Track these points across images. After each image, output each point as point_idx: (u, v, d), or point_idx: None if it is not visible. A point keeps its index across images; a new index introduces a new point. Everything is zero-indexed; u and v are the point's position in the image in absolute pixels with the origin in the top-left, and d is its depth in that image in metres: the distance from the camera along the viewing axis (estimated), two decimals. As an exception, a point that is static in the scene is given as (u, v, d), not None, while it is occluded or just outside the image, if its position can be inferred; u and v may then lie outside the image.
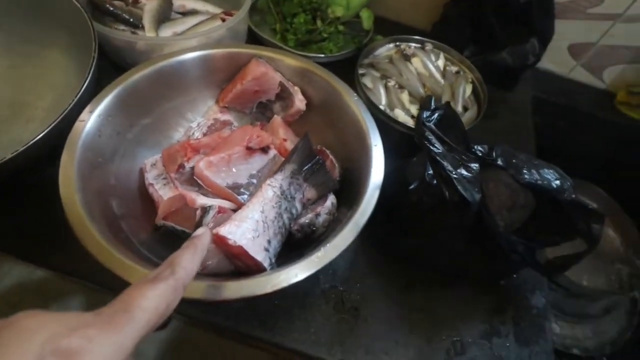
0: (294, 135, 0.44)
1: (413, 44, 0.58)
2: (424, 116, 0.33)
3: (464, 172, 0.30)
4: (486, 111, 0.51)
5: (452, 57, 0.58)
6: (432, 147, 0.31)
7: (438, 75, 0.55)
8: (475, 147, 0.34)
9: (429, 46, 0.57)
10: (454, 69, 0.57)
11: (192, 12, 0.60)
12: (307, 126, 0.47)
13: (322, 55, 0.57)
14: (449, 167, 0.30)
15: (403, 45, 0.57)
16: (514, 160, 0.34)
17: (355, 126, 0.41)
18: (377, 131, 0.39)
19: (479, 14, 0.58)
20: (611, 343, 0.67)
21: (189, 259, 0.19)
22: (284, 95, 0.46)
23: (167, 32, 0.54)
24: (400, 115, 0.50)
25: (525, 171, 0.34)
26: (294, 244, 0.35)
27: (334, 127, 0.45)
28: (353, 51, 0.58)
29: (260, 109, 0.48)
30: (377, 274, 0.42)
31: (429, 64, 0.55)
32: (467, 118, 0.51)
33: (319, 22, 0.55)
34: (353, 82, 0.53)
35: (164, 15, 0.55)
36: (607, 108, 0.67)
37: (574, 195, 0.35)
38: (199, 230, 0.23)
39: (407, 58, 0.56)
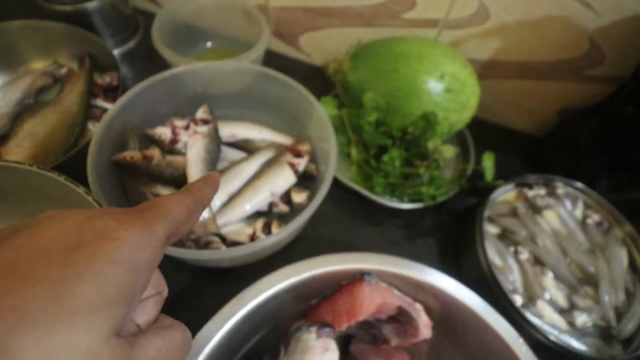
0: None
1: (534, 182, 0.44)
2: None
3: None
4: None
5: (588, 197, 0.44)
6: None
7: (581, 236, 0.41)
8: None
9: (560, 189, 0.43)
10: (594, 217, 0.43)
11: (245, 143, 0.46)
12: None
13: (420, 206, 0.43)
14: None
15: (530, 193, 0.43)
16: None
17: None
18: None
19: (623, 137, 0.43)
20: None
21: (201, 185, 0.20)
22: (401, 320, 0.32)
23: (220, 195, 0.40)
24: (547, 313, 0.37)
25: None
26: None
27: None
28: (455, 192, 0.44)
29: (363, 327, 0.34)
30: None
31: (569, 220, 0.41)
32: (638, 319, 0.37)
33: (421, 168, 0.41)
34: (471, 249, 0.40)
35: (213, 164, 0.41)
36: None
37: None
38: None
39: (536, 210, 0.42)
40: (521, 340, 0.29)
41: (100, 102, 0.45)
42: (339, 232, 0.45)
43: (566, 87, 0.48)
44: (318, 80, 0.53)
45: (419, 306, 0.32)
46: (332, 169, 0.37)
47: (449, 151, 0.41)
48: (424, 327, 0.32)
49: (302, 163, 0.42)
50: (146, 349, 0.15)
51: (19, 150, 0.39)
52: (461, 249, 0.43)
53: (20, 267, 0.12)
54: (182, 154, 0.42)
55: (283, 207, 0.41)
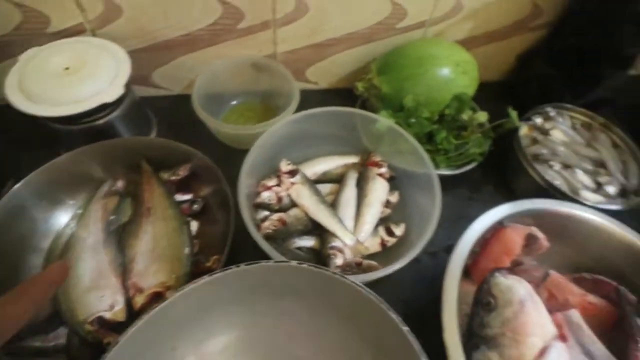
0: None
1: (532, 115, 0.59)
2: None
3: None
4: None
5: (568, 110, 0.60)
6: None
7: (579, 138, 0.57)
8: None
9: (551, 112, 0.59)
10: (577, 123, 0.59)
11: (324, 176, 0.51)
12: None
13: (474, 165, 0.54)
14: None
15: (538, 120, 0.57)
16: None
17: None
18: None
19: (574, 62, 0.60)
20: None
21: (31, 284, 0.22)
22: (528, 242, 0.43)
23: (348, 223, 0.45)
24: (589, 197, 0.51)
25: None
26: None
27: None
28: (491, 146, 0.56)
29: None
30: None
31: (567, 130, 0.57)
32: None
33: (471, 136, 0.52)
34: (522, 174, 0.52)
35: (325, 203, 0.46)
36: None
37: None
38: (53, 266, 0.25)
39: (546, 133, 0.57)
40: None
41: (179, 197, 0.45)
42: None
43: (517, 40, 0.63)
44: (330, 102, 0.58)
45: (534, 228, 0.43)
46: (431, 167, 0.45)
47: (483, 116, 0.52)
48: (544, 240, 0.43)
49: (385, 170, 0.49)
50: None
51: (150, 273, 0.38)
52: (512, 178, 0.56)
53: None
54: (287, 207, 0.46)
55: (386, 210, 0.48)
